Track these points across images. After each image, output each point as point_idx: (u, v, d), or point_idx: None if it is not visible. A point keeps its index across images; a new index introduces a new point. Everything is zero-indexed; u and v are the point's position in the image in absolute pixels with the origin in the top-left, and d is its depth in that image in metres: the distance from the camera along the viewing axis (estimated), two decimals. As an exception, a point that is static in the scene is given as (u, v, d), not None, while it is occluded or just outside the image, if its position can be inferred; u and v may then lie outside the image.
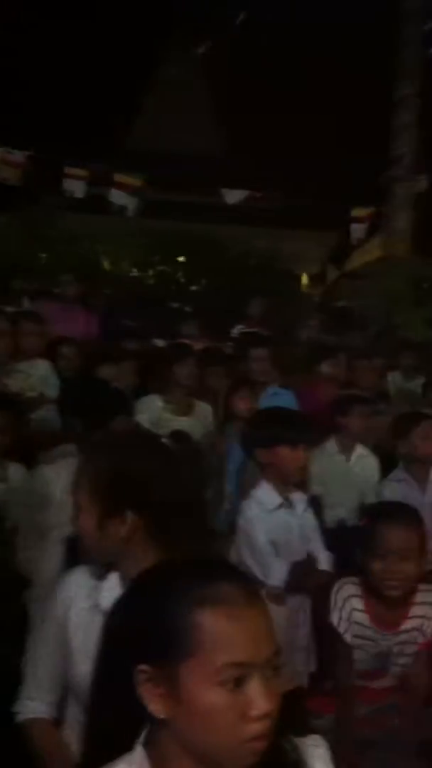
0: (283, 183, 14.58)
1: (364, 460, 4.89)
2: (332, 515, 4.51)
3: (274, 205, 14.57)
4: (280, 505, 3.48)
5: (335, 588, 3.01)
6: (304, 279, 15.65)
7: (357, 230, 13.53)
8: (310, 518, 3.62)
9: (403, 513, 3.01)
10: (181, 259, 12.37)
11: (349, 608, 2.94)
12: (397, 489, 4.28)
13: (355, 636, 2.95)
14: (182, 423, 5.08)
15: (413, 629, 2.94)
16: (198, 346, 6.68)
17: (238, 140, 17.57)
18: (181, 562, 1.38)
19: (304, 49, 16.64)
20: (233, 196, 13.24)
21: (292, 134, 16.13)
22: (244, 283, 10.93)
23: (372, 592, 2.94)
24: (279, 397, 5.47)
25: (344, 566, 3.33)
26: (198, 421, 5.20)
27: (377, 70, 13.48)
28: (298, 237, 14.65)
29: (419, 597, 2.97)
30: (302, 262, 14.83)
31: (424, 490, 4.31)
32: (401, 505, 3.21)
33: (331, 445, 4.86)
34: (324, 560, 3.56)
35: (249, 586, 1.30)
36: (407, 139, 12.71)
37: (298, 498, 3.59)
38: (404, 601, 2.95)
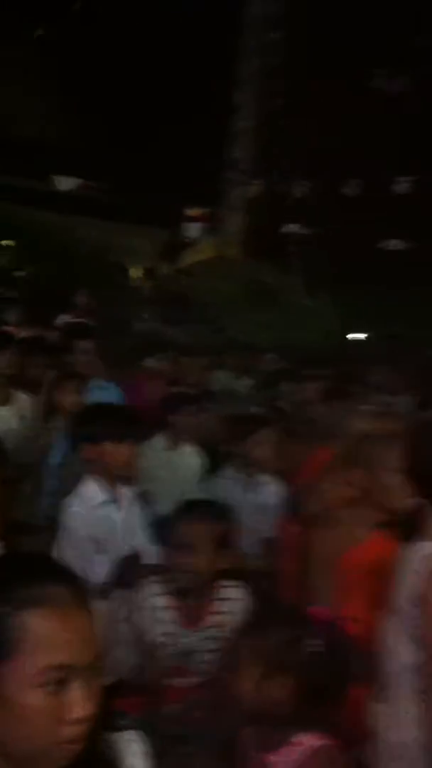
0: (118, 176, 14.44)
1: (189, 457, 4.89)
2: (158, 510, 4.45)
3: (107, 196, 14.41)
4: (105, 501, 3.43)
5: (141, 585, 2.98)
6: (134, 273, 15.58)
7: (190, 229, 13.66)
8: (135, 513, 3.57)
9: (196, 508, 2.99)
10: (5, 242, 11.93)
11: (152, 605, 2.91)
12: (224, 487, 4.27)
13: (160, 633, 2.91)
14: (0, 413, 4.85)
15: (217, 625, 2.90)
16: (20, 334, 6.44)
17: (73, 129, 17.23)
18: (4, 559, 1.33)
19: (147, 43, 16.55)
20: (65, 183, 12.98)
21: (129, 128, 16.00)
22: (72, 272, 10.70)
23: (173, 587, 2.91)
24: (104, 391, 5.39)
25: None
26: (16, 412, 4.98)
27: (220, 75, 13.64)
28: (130, 231, 14.58)
29: (222, 593, 2.94)
30: (133, 256, 14.78)
31: (254, 490, 4.32)
32: (202, 501, 3.22)
33: (159, 440, 4.83)
34: (149, 555, 3.49)
35: (75, 586, 1.25)
36: (244, 144, 12.99)
37: (125, 493, 3.54)
38: (205, 597, 2.92)
